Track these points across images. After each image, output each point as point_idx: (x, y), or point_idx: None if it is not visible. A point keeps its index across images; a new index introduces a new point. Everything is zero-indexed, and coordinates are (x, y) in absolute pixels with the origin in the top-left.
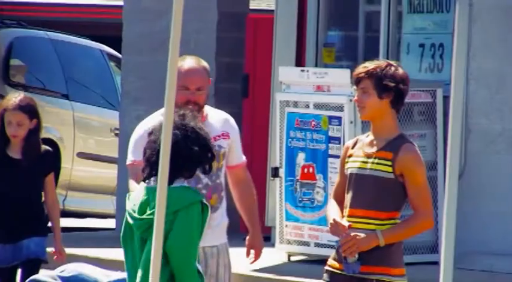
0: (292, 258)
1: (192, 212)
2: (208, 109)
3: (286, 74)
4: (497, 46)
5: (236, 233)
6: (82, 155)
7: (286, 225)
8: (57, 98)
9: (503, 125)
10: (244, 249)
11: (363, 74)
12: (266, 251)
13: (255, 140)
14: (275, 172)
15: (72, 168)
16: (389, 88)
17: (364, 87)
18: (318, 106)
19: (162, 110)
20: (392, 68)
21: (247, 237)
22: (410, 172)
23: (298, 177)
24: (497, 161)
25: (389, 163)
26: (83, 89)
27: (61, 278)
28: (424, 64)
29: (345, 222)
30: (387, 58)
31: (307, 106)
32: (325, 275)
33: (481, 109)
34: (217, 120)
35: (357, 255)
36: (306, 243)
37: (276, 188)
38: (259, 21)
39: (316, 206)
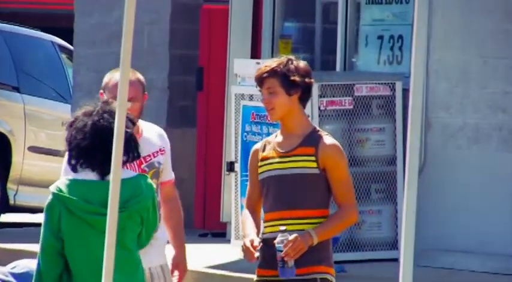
0: None
1: (155, 199)
2: (142, 124)
3: (241, 66)
4: (458, 38)
5: (190, 229)
6: (33, 149)
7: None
8: (7, 91)
9: (464, 119)
10: (198, 245)
11: (266, 74)
12: (221, 247)
13: (210, 134)
14: (230, 167)
15: (23, 163)
16: (297, 84)
17: (270, 87)
18: None
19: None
20: (294, 63)
21: (172, 257)
22: (333, 165)
23: None
24: (458, 156)
25: (313, 158)
26: (34, 81)
27: (12, 274)
28: (382, 56)
29: (256, 242)
30: (345, 50)
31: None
32: None
33: (442, 102)
34: (153, 135)
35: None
36: None
37: (232, 183)
38: (213, 12)
39: None
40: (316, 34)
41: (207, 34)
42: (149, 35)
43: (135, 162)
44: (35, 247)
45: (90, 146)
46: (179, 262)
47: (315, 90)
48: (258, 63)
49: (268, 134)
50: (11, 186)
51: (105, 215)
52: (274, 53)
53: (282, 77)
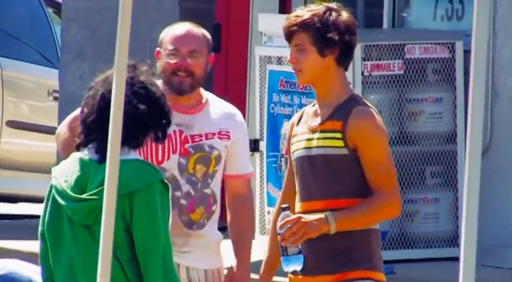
0: None
1: (153, 193)
2: (210, 96)
3: (267, 22)
4: None
5: None
6: (12, 124)
7: (269, 212)
8: None
9: None
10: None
11: (295, 27)
12: None
13: None
14: (254, 145)
15: (0, 141)
16: (334, 42)
17: (299, 44)
18: None
19: None
20: (334, 14)
21: (229, 268)
22: (365, 143)
23: (283, 152)
24: None
25: (339, 135)
26: (13, 41)
27: None
28: (439, 10)
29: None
30: (394, 3)
31: None
32: None
33: (511, 67)
34: (217, 112)
35: (299, 246)
36: None
37: (256, 166)
38: None
39: None
40: None
41: None
42: None
43: (177, 139)
44: (14, 244)
45: (97, 122)
46: (238, 279)
47: (357, 52)
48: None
49: (300, 106)
50: None
51: (83, 201)
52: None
53: (316, 33)
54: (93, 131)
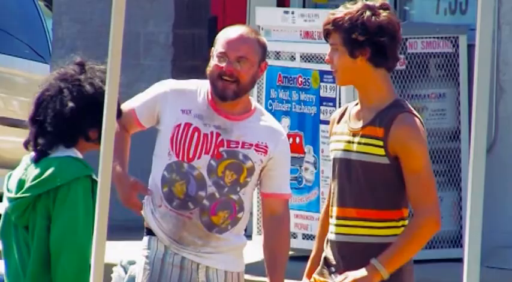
0: None
1: (76, 190)
2: (260, 108)
3: (265, 16)
4: None
5: None
6: (2, 121)
7: None
8: None
9: None
10: None
11: (329, 25)
12: None
13: None
14: None
15: None
16: (360, 43)
17: (333, 44)
18: (306, 58)
19: (206, 81)
20: (367, 14)
21: None
22: (405, 153)
23: None
24: None
25: (380, 143)
26: (3, 35)
27: None
28: (443, 3)
29: None
30: None
31: (293, 58)
32: None
33: None
34: (261, 125)
35: None
36: (292, 235)
37: None
38: None
39: (305, 187)
40: None
41: None
42: None
43: (213, 140)
44: None
45: (31, 120)
46: None
47: None
48: (286, 12)
49: (299, 102)
50: None
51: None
52: (306, 0)
53: (345, 33)
54: (31, 130)
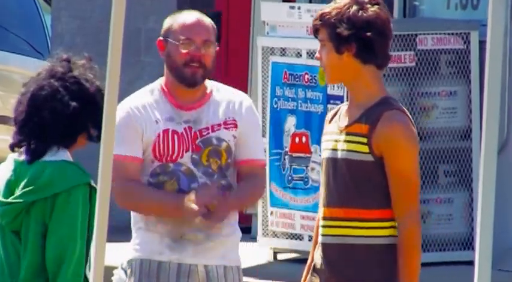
0: (280, 257)
1: (76, 198)
2: (214, 85)
3: (270, 11)
4: None
5: None
6: (0, 119)
7: (272, 213)
8: None
9: None
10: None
11: (317, 21)
12: (245, 246)
13: None
14: None
15: None
16: (345, 38)
17: (321, 40)
18: (312, 54)
19: (151, 86)
20: (354, 8)
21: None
22: (391, 151)
23: (287, 150)
24: None
25: (364, 140)
26: (1, 31)
27: None
28: None
29: None
30: None
31: (299, 54)
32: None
33: None
34: (223, 101)
35: None
36: (298, 237)
37: None
38: None
39: (311, 187)
40: None
41: None
42: None
43: (188, 136)
44: None
45: (26, 121)
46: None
47: None
48: (292, 7)
49: (306, 100)
50: None
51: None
52: None
53: (331, 28)
54: (23, 131)
